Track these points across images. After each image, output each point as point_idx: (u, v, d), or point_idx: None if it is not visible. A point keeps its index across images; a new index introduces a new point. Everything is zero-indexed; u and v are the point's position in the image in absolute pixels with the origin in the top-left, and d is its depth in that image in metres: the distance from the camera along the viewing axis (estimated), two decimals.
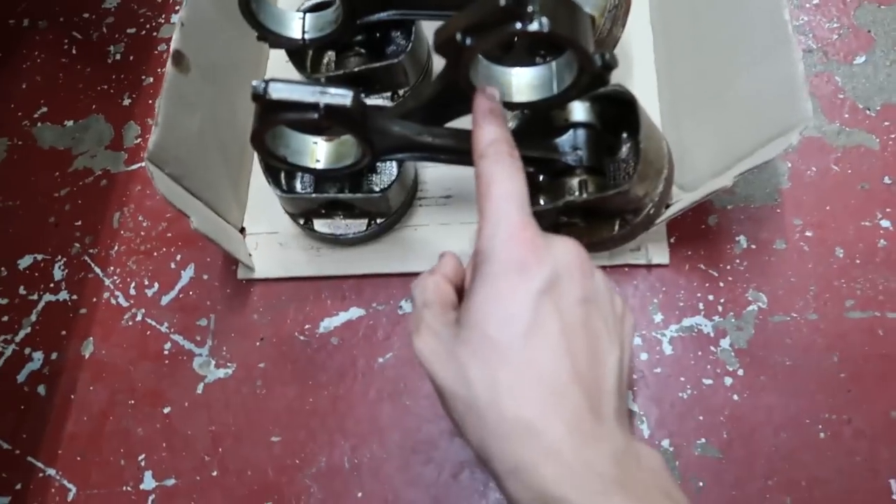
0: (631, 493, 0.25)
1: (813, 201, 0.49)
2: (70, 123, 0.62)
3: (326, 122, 0.38)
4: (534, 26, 0.33)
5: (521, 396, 0.26)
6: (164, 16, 0.66)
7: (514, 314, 0.27)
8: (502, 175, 0.30)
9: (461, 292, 0.34)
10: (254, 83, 0.38)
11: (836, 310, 0.46)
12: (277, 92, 0.38)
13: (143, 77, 0.63)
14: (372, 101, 0.54)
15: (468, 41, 0.35)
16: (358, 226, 0.50)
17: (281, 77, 0.38)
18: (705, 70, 0.49)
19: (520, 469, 0.25)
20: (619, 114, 0.45)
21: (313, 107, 0.38)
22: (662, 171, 0.44)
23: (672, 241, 0.49)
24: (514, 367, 0.26)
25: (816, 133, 0.51)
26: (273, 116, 0.39)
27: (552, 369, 0.26)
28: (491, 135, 0.32)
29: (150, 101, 0.62)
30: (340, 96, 0.38)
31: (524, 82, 0.41)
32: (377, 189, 0.50)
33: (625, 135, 0.47)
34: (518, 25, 0.33)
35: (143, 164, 0.58)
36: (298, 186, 0.51)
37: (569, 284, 0.28)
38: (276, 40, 0.49)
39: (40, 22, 0.68)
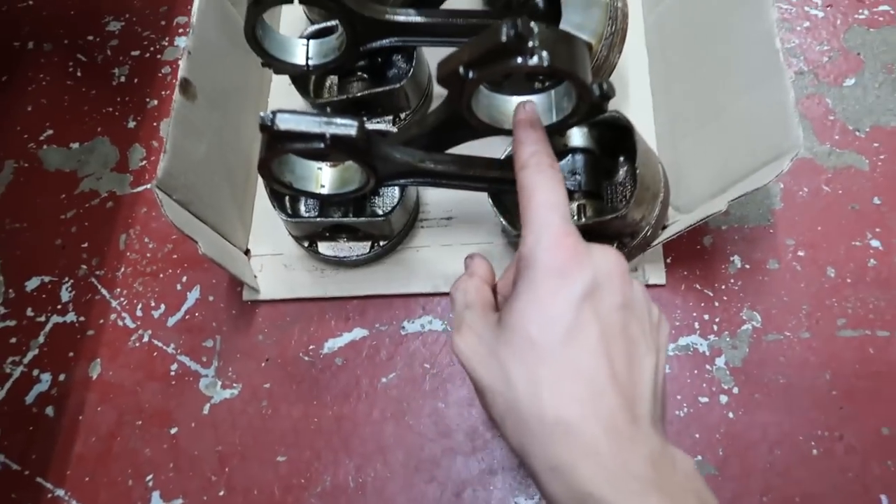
0: (666, 495, 0.26)
1: (805, 222, 0.51)
2: (76, 146, 0.63)
3: (332, 151, 0.40)
4: (534, 61, 0.34)
5: (561, 396, 0.27)
6: (167, 38, 0.67)
7: (555, 317, 0.28)
8: (545, 185, 0.31)
9: (495, 292, 0.35)
10: (261, 114, 0.39)
11: (829, 328, 0.47)
12: (285, 123, 0.39)
13: (148, 100, 0.64)
14: (374, 124, 0.55)
15: (471, 74, 0.36)
16: (361, 248, 0.51)
17: (287, 108, 0.40)
18: (700, 94, 0.50)
19: (559, 468, 0.26)
20: (616, 138, 0.47)
21: (319, 137, 0.39)
22: (658, 195, 0.46)
23: (668, 261, 0.50)
24: (554, 367, 0.28)
25: (808, 154, 0.52)
26: (280, 146, 0.40)
27: (591, 371, 0.27)
28: (532, 146, 0.34)
29: (155, 124, 0.63)
30: (346, 126, 0.39)
31: None
32: (380, 212, 0.51)
33: (621, 158, 0.48)
34: (519, 60, 0.34)
35: (149, 186, 0.60)
36: (303, 210, 0.52)
37: (608, 291, 0.29)
38: (281, 67, 0.50)
39: (45, 44, 0.69)
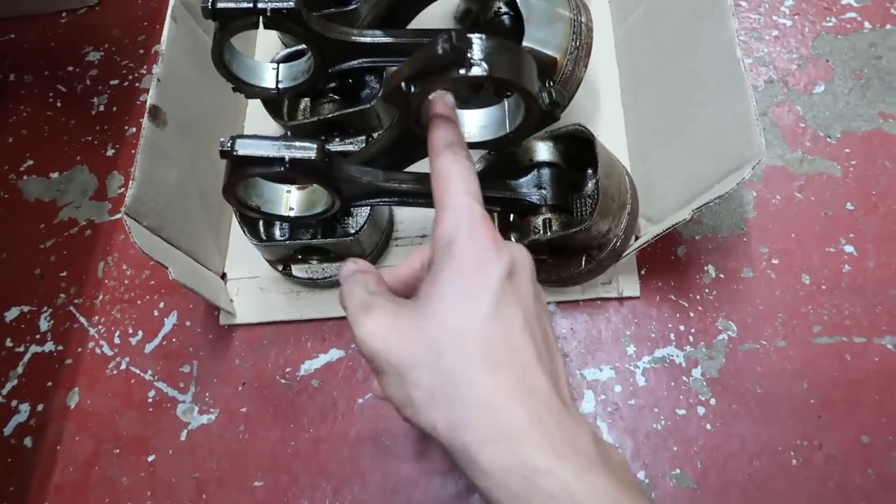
0: (613, 476, 0.25)
1: (778, 229, 0.50)
2: (55, 175, 0.63)
3: (293, 174, 0.40)
4: (474, 71, 0.34)
5: (496, 367, 0.27)
6: (145, 67, 0.68)
7: (481, 293, 0.28)
8: (462, 174, 0.31)
9: None
10: (221, 139, 0.39)
11: (805, 336, 0.47)
12: (244, 148, 0.39)
13: (126, 127, 0.64)
14: (346, 145, 0.56)
15: (413, 89, 0.37)
16: (334, 269, 0.51)
17: (255, 133, 0.40)
18: (668, 105, 0.50)
19: (500, 438, 0.26)
20: (583, 150, 0.47)
21: (279, 161, 0.39)
22: (626, 206, 0.45)
23: (642, 272, 0.50)
24: (485, 340, 0.27)
25: (780, 162, 0.52)
26: (241, 171, 0.40)
27: (520, 348, 0.27)
28: (448, 136, 0.34)
29: (133, 151, 0.62)
30: (305, 149, 0.39)
31: (479, 123, 0.43)
32: (352, 231, 0.51)
33: (589, 171, 0.48)
34: (461, 71, 0.34)
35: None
36: (278, 234, 0.52)
37: (524, 280, 0.29)
38: (251, 91, 0.50)
39: (26, 76, 0.70)
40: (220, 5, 0.44)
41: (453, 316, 0.28)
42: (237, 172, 0.41)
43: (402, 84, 0.37)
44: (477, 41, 0.35)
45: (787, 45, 0.57)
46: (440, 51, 0.34)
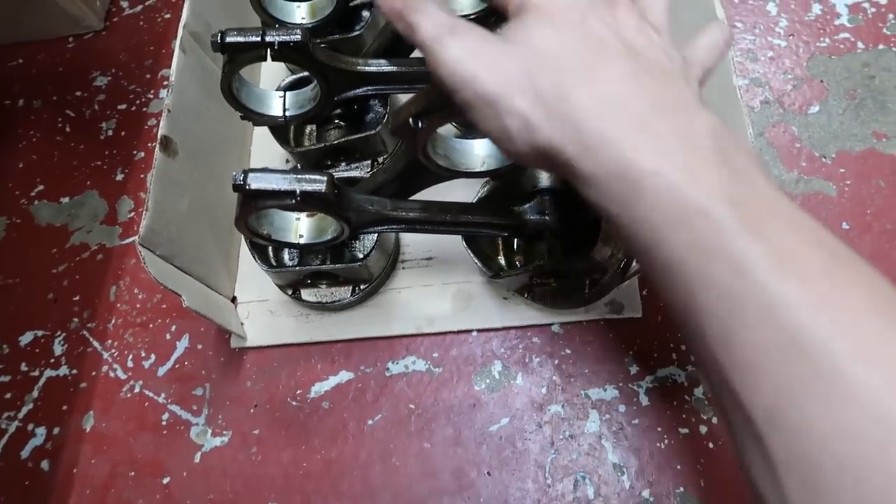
0: (728, 169, 0.24)
1: None
2: (66, 200, 0.64)
3: (303, 206, 0.41)
4: None
5: (593, 76, 0.26)
6: (152, 91, 0.69)
7: (569, 13, 0.28)
8: None
9: None
10: (233, 174, 0.40)
11: None
12: (256, 182, 0.40)
13: (135, 152, 0.66)
14: (352, 170, 0.57)
15: (420, 124, 0.38)
16: (343, 293, 0.52)
17: (263, 164, 0.41)
18: None
19: (601, 145, 0.25)
20: None
21: (290, 194, 0.40)
22: None
23: (644, 293, 0.51)
24: (578, 54, 0.27)
25: (777, 182, 0.53)
26: (254, 203, 0.41)
27: (617, 56, 0.27)
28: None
29: (142, 176, 0.64)
30: (315, 182, 0.40)
31: (484, 153, 0.44)
32: (360, 255, 0.52)
33: None
34: None
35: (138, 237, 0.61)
36: (287, 259, 0.53)
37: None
38: (259, 119, 0.52)
39: (35, 102, 0.71)
40: (229, 40, 0.45)
41: (543, 40, 0.27)
42: (249, 205, 0.42)
43: (410, 120, 0.38)
44: None
45: (781, 65, 0.58)
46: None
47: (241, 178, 0.40)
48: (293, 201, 0.40)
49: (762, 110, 0.56)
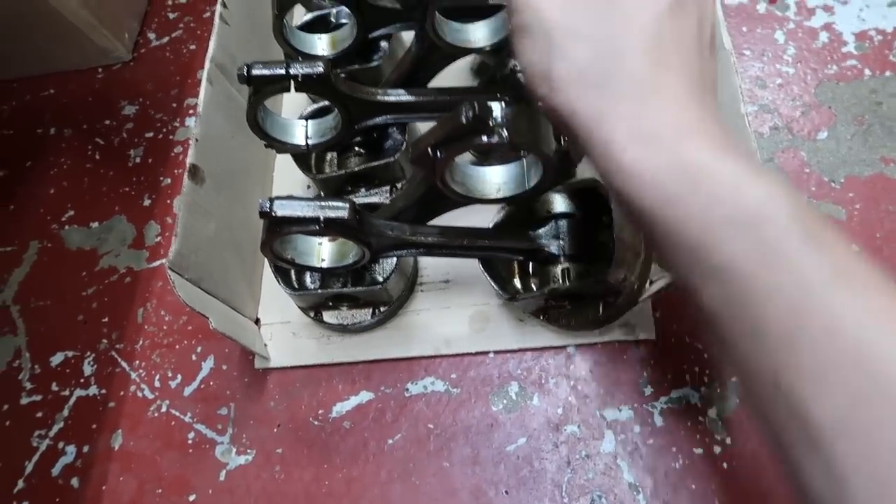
0: (773, 177, 0.24)
1: None
2: (95, 225, 0.67)
3: (326, 232, 0.43)
4: (495, 139, 0.38)
5: (666, 61, 0.25)
6: (178, 119, 0.71)
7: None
8: None
9: None
10: (260, 201, 0.42)
11: None
12: (282, 209, 0.42)
13: (162, 178, 0.68)
14: (371, 195, 0.59)
15: (439, 154, 0.40)
16: (363, 315, 0.54)
17: (287, 191, 0.43)
18: None
19: (655, 137, 0.24)
20: (597, 199, 0.49)
21: (314, 220, 0.42)
22: (640, 255, 0.48)
23: (657, 315, 0.52)
24: (659, 31, 0.26)
25: None
26: (279, 229, 0.43)
27: (691, 51, 0.26)
28: None
29: (169, 201, 0.66)
30: (338, 209, 0.42)
31: (500, 180, 0.46)
32: (379, 279, 0.54)
33: (604, 218, 0.51)
34: (483, 138, 0.38)
35: (164, 261, 0.63)
36: (309, 282, 0.55)
37: None
38: (282, 147, 0.54)
39: (65, 130, 0.73)
40: (255, 72, 0.47)
41: (631, 4, 0.26)
42: (274, 230, 0.44)
43: (430, 150, 0.40)
44: (497, 109, 0.38)
45: (790, 92, 0.60)
46: (464, 120, 0.37)
47: (268, 205, 0.42)
48: (317, 227, 0.42)
49: (771, 136, 0.58)
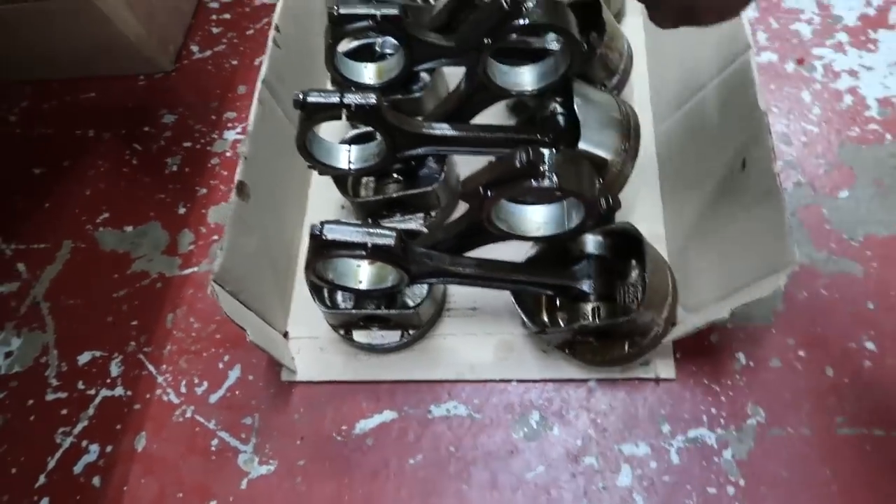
0: None
1: (804, 323, 0.55)
2: (129, 229, 0.68)
3: (372, 258, 0.45)
4: (545, 183, 0.40)
5: None
6: (217, 132, 0.73)
7: None
8: None
9: None
10: (312, 224, 0.44)
11: (828, 426, 0.51)
12: (332, 233, 0.44)
13: (197, 188, 0.70)
14: (406, 222, 0.61)
15: (489, 193, 0.42)
16: (393, 336, 0.56)
17: (332, 219, 0.45)
18: (706, 206, 0.55)
19: None
20: (628, 242, 0.51)
21: (362, 246, 0.44)
22: (667, 298, 0.50)
23: (678, 356, 0.54)
24: None
25: (807, 260, 0.57)
26: (326, 252, 0.45)
27: None
28: None
29: (203, 211, 0.68)
30: (385, 237, 0.44)
31: (541, 220, 0.48)
32: (410, 303, 0.56)
33: (633, 261, 0.53)
34: (533, 183, 0.40)
35: (197, 269, 0.65)
36: (340, 301, 0.57)
37: None
38: (326, 170, 0.56)
39: (105, 133, 0.75)
40: (310, 100, 0.49)
41: None
42: (321, 252, 0.46)
43: (481, 189, 0.42)
44: (548, 156, 0.40)
45: (814, 150, 0.62)
46: (518, 164, 0.40)
47: (319, 228, 0.44)
48: (363, 252, 0.44)
49: (795, 191, 0.60)
